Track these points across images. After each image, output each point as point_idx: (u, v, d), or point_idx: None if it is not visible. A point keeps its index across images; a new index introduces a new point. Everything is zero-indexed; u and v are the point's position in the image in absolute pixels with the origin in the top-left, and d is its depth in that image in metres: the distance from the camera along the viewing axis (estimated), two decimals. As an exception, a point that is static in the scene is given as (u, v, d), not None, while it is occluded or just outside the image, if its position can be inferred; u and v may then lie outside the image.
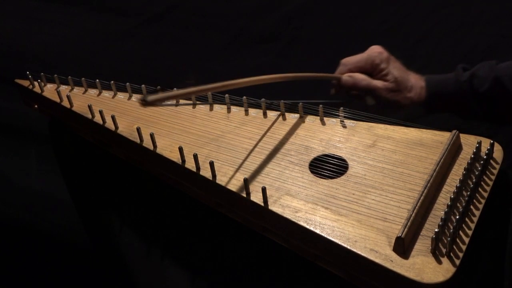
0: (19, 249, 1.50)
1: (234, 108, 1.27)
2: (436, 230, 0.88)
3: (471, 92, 0.99)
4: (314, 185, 1.04)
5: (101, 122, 1.25)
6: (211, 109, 1.28)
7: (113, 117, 1.23)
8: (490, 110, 1.01)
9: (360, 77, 1.06)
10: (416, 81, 1.04)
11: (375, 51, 1.06)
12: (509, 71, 0.98)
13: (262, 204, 1.01)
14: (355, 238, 0.93)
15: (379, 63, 1.04)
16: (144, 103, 0.89)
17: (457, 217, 0.92)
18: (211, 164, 1.07)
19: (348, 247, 0.92)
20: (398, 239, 0.89)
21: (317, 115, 1.21)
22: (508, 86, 0.96)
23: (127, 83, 1.35)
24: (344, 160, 1.09)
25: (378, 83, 1.05)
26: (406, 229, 0.89)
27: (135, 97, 1.35)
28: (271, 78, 1.08)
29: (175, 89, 1.27)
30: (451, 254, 0.89)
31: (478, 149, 1.05)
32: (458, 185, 0.98)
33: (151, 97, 0.90)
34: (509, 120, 1.04)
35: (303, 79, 1.12)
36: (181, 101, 1.29)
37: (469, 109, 1.01)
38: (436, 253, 0.89)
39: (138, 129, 1.19)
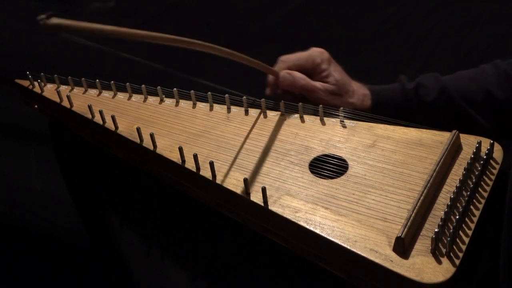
0: (19, 249, 1.50)
1: (234, 108, 1.27)
2: (436, 230, 0.88)
3: (417, 101, 0.98)
4: (314, 185, 1.04)
5: (101, 122, 1.25)
6: (211, 109, 1.28)
7: (113, 117, 1.23)
8: (435, 119, 1.01)
9: (300, 75, 1.02)
10: (358, 88, 1.02)
11: (317, 50, 1.02)
12: (453, 83, 0.97)
13: (262, 204, 1.01)
14: (355, 238, 0.93)
15: (320, 62, 1.00)
16: (43, 22, 0.85)
17: (457, 217, 0.92)
18: (211, 164, 1.07)
19: (348, 247, 0.92)
20: (398, 239, 0.89)
21: (317, 115, 1.21)
22: (454, 97, 0.95)
23: (127, 83, 1.35)
24: (344, 160, 1.09)
25: (317, 84, 1.02)
26: (406, 229, 0.89)
27: (135, 97, 1.35)
28: (205, 45, 1.02)
29: (175, 89, 1.27)
30: (451, 254, 0.89)
31: (478, 149, 1.05)
32: (458, 185, 0.98)
33: (55, 20, 0.86)
34: (451, 129, 1.05)
35: (240, 60, 1.06)
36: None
37: (415, 117, 1.01)
38: (436, 253, 0.89)
39: (138, 129, 1.19)
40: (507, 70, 1.02)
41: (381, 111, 1.02)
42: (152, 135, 1.16)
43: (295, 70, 1.03)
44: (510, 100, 1.00)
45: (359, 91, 1.01)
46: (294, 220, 0.98)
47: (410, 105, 0.99)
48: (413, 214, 0.92)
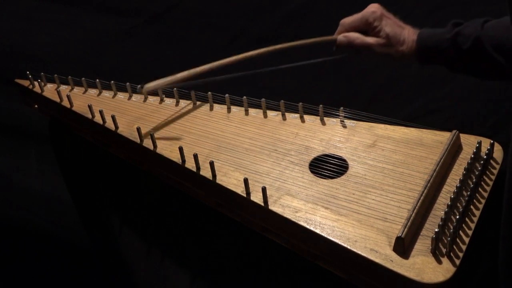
0: (19, 249, 1.50)
1: (234, 108, 1.27)
2: (436, 230, 0.88)
3: (454, 49, 1.04)
4: (314, 185, 1.04)
5: (101, 122, 1.25)
6: (211, 109, 1.28)
7: (113, 117, 1.23)
8: (472, 67, 1.06)
9: (354, 36, 1.14)
10: (409, 35, 1.12)
11: (370, 10, 1.14)
12: (490, 31, 1.02)
13: (262, 204, 1.01)
14: (355, 238, 0.93)
15: (372, 21, 1.12)
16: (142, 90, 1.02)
17: (457, 217, 0.92)
18: (211, 164, 1.07)
19: (348, 247, 0.92)
20: (398, 239, 0.89)
21: (317, 115, 1.21)
22: (486, 46, 1.01)
23: (127, 83, 1.35)
24: (344, 160, 1.09)
25: (370, 40, 1.13)
26: (406, 229, 0.89)
27: (135, 97, 1.35)
28: (267, 50, 1.17)
29: (174, 88, 1.27)
30: (451, 254, 0.89)
31: (478, 149, 1.05)
32: (458, 185, 0.98)
33: (148, 85, 1.02)
34: (491, 78, 1.11)
35: (300, 46, 1.19)
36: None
37: (453, 64, 1.07)
38: (436, 253, 0.89)
39: (138, 129, 1.19)
40: None
41: (424, 56, 1.09)
42: (152, 135, 1.16)
43: (351, 31, 1.16)
44: None
45: (409, 39, 1.11)
46: (294, 220, 0.98)
47: (449, 53, 1.05)
48: (413, 214, 0.92)
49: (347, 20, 1.16)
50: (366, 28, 1.14)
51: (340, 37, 1.15)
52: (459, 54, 1.05)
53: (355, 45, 1.14)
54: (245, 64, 1.16)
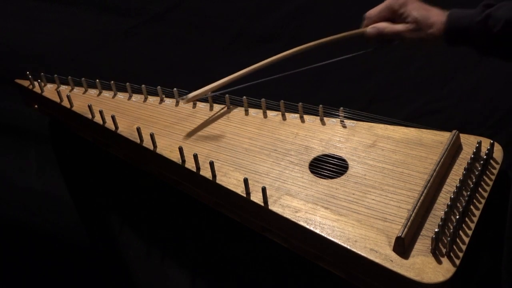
0: (19, 249, 1.50)
1: (234, 108, 1.27)
2: (436, 230, 0.88)
3: (484, 31, 1.03)
4: (314, 185, 1.04)
5: (101, 122, 1.25)
6: (211, 109, 1.28)
7: (113, 117, 1.23)
8: (502, 50, 1.05)
9: (383, 25, 1.13)
10: (437, 17, 1.11)
11: None
12: None
13: (262, 204, 1.01)
14: (355, 238, 0.93)
15: (398, 8, 1.11)
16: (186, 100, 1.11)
17: (457, 217, 0.92)
18: (211, 164, 1.07)
19: (348, 247, 0.92)
20: (398, 239, 0.89)
21: (317, 115, 1.21)
22: None
23: (127, 83, 1.35)
24: (344, 160, 1.09)
25: (399, 26, 1.12)
26: (406, 229, 0.89)
27: (135, 97, 1.35)
28: (294, 50, 1.16)
29: (175, 89, 1.27)
30: (451, 254, 0.89)
31: (478, 149, 1.05)
32: (458, 185, 0.98)
33: (190, 96, 1.08)
34: None
35: (326, 43, 1.18)
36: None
37: (483, 47, 1.06)
38: (436, 253, 0.89)
39: (138, 129, 1.19)
40: None
41: (454, 38, 1.08)
42: (152, 135, 1.16)
43: (379, 21, 1.15)
44: None
45: (438, 21, 1.10)
46: (294, 220, 0.98)
47: (479, 35, 1.04)
48: (413, 214, 0.92)
49: (373, 12, 1.15)
50: (393, 16, 1.13)
51: (369, 29, 1.14)
52: (489, 37, 1.03)
53: (385, 34, 1.13)
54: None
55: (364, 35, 1.15)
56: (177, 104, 1.31)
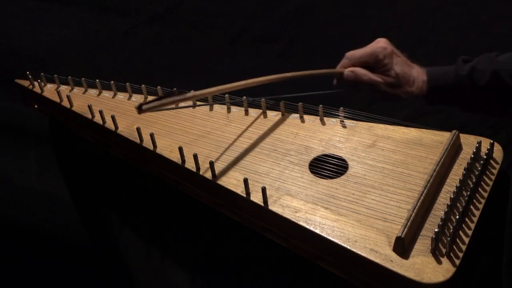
0: (19, 249, 1.50)
1: (234, 108, 1.27)
2: (436, 230, 0.88)
3: (470, 86, 1.00)
4: (314, 185, 1.04)
5: (101, 122, 1.25)
6: (211, 109, 1.28)
7: (113, 117, 1.23)
8: (489, 104, 1.02)
9: (362, 72, 1.08)
10: (418, 76, 1.06)
11: (380, 46, 1.08)
12: (507, 64, 0.98)
13: (262, 204, 1.01)
14: (355, 238, 0.93)
15: (382, 58, 1.06)
16: (139, 111, 0.93)
17: (457, 217, 0.92)
18: (211, 164, 1.07)
19: (348, 247, 0.92)
20: (398, 239, 0.89)
21: (317, 115, 1.21)
22: (506, 79, 0.97)
23: (127, 83, 1.35)
24: (344, 160, 1.09)
25: (378, 78, 1.07)
26: (406, 229, 0.89)
27: (135, 97, 1.35)
28: (270, 78, 1.09)
29: (175, 89, 1.27)
30: (451, 254, 0.89)
31: (478, 149, 1.05)
32: (458, 185, 0.98)
33: (146, 106, 0.93)
34: (507, 113, 1.06)
35: (304, 76, 1.13)
36: (181, 104, 1.28)
37: (469, 103, 1.03)
38: (436, 253, 0.89)
39: (138, 129, 1.19)
40: None
41: (436, 96, 1.05)
42: (152, 135, 1.16)
43: (359, 65, 1.10)
44: None
45: (419, 79, 1.06)
46: (294, 220, 0.98)
47: (464, 90, 1.01)
48: (413, 214, 0.92)
49: (356, 54, 1.10)
50: (375, 64, 1.08)
51: (347, 71, 1.09)
52: (476, 91, 1.00)
53: (362, 81, 1.08)
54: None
55: (341, 76, 1.11)
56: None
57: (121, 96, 1.36)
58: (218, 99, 1.28)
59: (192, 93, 1.02)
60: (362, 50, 1.10)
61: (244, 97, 1.25)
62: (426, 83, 1.04)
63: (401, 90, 1.06)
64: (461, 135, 1.09)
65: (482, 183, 1.02)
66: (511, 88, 0.97)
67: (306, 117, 1.22)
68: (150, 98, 1.34)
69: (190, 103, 1.28)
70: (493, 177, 1.03)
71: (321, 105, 1.20)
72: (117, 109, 1.30)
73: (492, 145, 1.06)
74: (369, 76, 1.07)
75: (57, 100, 1.34)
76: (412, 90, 1.05)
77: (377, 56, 1.07)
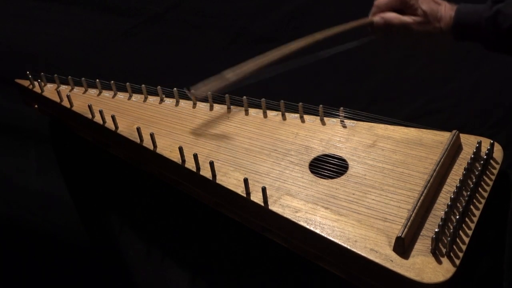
0: (19, 249, 1.50)
1: (234, 108, 1.27)
2: (436, 230, 0.88)
3: (493, 28, 1.02)
4: (314, 185, 1.04)
5: (101, 122, 1.25)
6: (211, 109, 1.28)
7: (113, 117, 1.23)
8: (510, 47, 1.03)
9: (391, 16, 1.12)
10: (446, 12, 1.10)
11: None
12: None
13: (262, 204, 1.01)
14: (355, 238, 0.93)
15: (408, 0, 1.10)
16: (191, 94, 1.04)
17: (457, 217, 0.92)
18: (211, 164, 1.07)
19: (348, 247, 0.92)
20: (398, 239, 0.89)
21: (317, 115, 1.21)
22: None
23: (127, 83, 1.35)
24: (344, 160, 1.09)
25: (408, 18, 1.11)
26: (406, 229, 0.89)
27: (135, 97, 1.35)
28: (307, 41, 1.15)
29: (175, 89, 1.27)
30: (451, 254, 0.89)
31: (478, 149, 1.05)
32: (458, 185, 0.98)
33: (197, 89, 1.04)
34: None
35: (337, 33, 1.17)
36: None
37: (492, 43, 1.05)
38: (436, 253, 0.89)
39: (138, 129, 1.19)
40: None
41: (461, 33, 1.07)
42: (152, 135, 1.16)
43: (387, 11, 1.13)
44: None
45: (446, 15, 1.09)
46: (294, 220, 0.98)
47: (487, 31, 1.02)
48: (413, 214, 0.92)
49: (382, 1, 1.13)
50: (402, 7, 1.12)
51: (377, 18, 1.13)
52: (497, 33, 1.02)
53: (393, 25, 1.11)
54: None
55: (371, 25, 1.14)
56: (177, 104, 1.31)
57: (121, 96, 1.36)
58: (218, 99, 1.28)
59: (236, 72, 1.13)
60: None
61: (244, 97, 1.25)
62: (453, 19, 1.06)
63: (431, 26, 1.09)
64: (461, 135, 1.09)
65: (482, 183, 1.02)
66: None
67: (306, 117, 1.22)
68: (150, 98, 1.34)
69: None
70: (493, 177, 1.03)
71: (321, 105, 1.20)
72: (117, 109, 1.30)
73: (492, 145, 1.06)
74: (399, 18, 1.11)
75: (57, 100, 1.34)
76: (440, 26, 1.08)
77: None
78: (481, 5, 1.05)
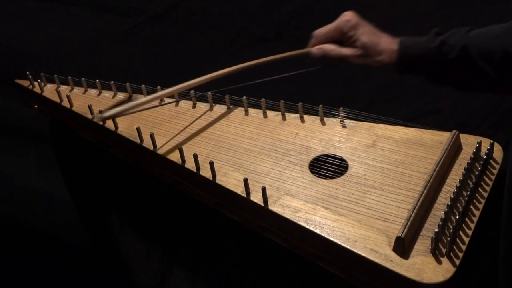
0: (19, 249, 1.50)
1: (234, 108, 1.27)
2: (436, 230, 0.88)
3: (439, 59, 1.01)
4: (314, 185, 1.04)
5: (101, 122, 1.25)
6: (211, 109, 1.28)
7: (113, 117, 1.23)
8: (456, 78, 1.02)
9: (330, 48, 1.10)
10: (387, 45, 1.07)
11: (344, 19, 1.09)
12: (477, 40, 0.98)
13: (262, 204, 1.01)
14: (355, 238, 0.93)
15: (347, 31, 1.08)
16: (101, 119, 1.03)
17: (457, 217, 0.92)
18: (211, 164, 1.07)
19: (348, 247, 0.92)
20: (398, 239, 0.89)
21: (317, 115, 1.21)
22: (473, 56, 0.97)
23: (127, 83, 1.35)
24: (344, 160, 1.09)
25: (346, 51, 1.08)
26: (406, 229, 0.89)
27: (135, 97, 1.35)
28: (240, 67, 1.14)
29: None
30: (451, 254, 0.89)
31: (478, 149, 1.05)
32: (458, 185, 0.98)
33: (106, 114, 1.03)
34: (475, 89, 1.05)
35: (273, 61, 1.16)
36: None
37: (437, 75, 1.03)
38: (436, 253, 0.89)
39: (138, 129, 1.19)
40: None
41: (406, 66, 1.05)
42: (152, 135, 1.16)
43: (327, 42, 1.12)
44: None
45: (388, 48, 1.06)
46: (294, 220, 0.98)
47: (433, 63, 1.01)
48: (413, 214, 0.92)
49: (321, 31, 1.11)
50: (341, 38, 1.09)
51: (314, 49, 1.11)
52: (444, 64, 1.00)
53: (331, 57, 1.09)
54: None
55: (309, 55, 1.12)
56: (177, 104, 1.31)
57: (121, 96, 1.36)
58: (218, 99, 1.28)
59: (153, 95, 1.12)
60: (328, 26, 1.11)
61: (244, 97, 1.25)
62: (396, 52, 1.05)
63: (371, 60, 1.07)
64: (461, 135, 1.09)
65: (482, 183, 1.02)
66: (477, 65, 0.96)
67: (306, 117, 1.22)
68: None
69: (156, 103, 1.29)
70: (493, 177, 1.03)
71: (321, 105, 1.20)
72: (117, 109, 1.30)
73: (492, 145, 1.06)
74: (337, 51, 1.09)
75: (57, 100, 1.34)
76: (381, 59, 1.06)
77: (341, 29, 1.08)
78: (423, 37, 1.03)
